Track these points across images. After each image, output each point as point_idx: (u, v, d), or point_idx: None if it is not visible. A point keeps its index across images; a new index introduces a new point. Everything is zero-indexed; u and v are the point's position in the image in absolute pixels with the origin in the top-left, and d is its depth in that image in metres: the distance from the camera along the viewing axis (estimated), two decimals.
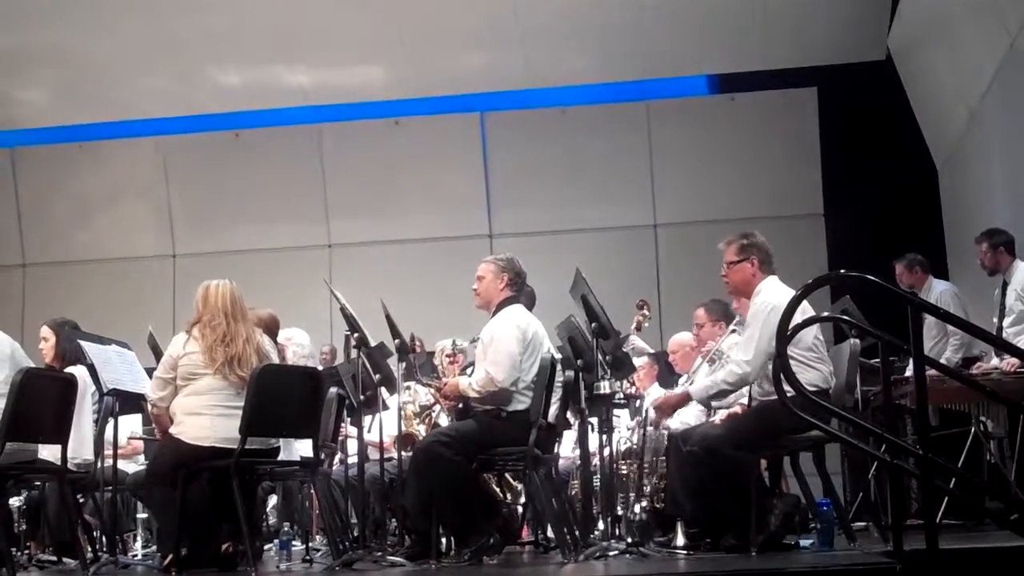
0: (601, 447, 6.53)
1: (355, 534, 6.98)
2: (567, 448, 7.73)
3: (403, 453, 6.67)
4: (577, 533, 6.34)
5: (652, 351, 8.51)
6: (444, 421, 7.23)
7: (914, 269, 8.53)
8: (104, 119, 12.67)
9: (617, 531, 6.35)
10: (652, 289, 11.35)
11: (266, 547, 7.23)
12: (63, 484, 6.45)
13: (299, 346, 7.71)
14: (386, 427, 7.15)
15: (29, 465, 6.21)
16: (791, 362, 4.72)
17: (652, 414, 6.76)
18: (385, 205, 12.37)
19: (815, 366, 5.74)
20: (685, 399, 6.25)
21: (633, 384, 7.18)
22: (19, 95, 12.40)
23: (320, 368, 7.55)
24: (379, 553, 6.17)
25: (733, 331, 6.83)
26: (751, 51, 11.33)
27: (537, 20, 10.94)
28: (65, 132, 12.87)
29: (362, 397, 6.64)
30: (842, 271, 4.88)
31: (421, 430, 7.34)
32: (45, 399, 6.06)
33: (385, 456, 7.07)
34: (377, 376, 6.81)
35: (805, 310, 5.12)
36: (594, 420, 6.71)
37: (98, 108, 12.42)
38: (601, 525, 6.78)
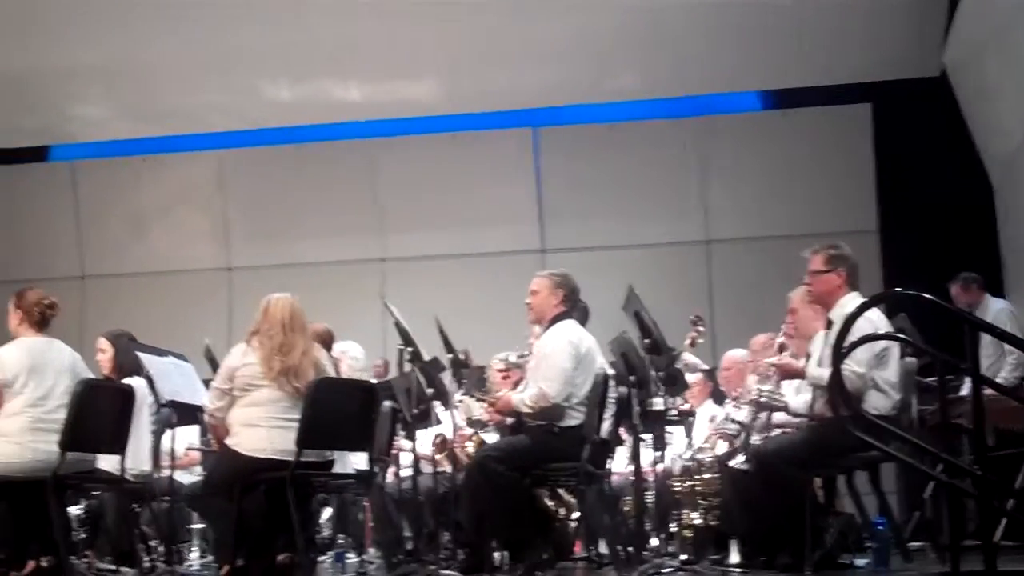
0: (654, 463, 6.53)
1: (409, 547, 7.02)
2: (620, 464, 7.73)
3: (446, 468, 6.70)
4: (630, 549, 6.34)
5: (705, 367, 8.49)
6: (490, 438, 7.28)
7: (970, 288, 8.46)
8: (163, 133, 12.83)
9: (670, 548, 6.34)
10: (705, 305, 11.27)
11: (320, 559, 7.28)
12: (121, 494, 6.56)
13: (353, 359, 7.76)
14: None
15: (88, 475, 6.32)
16: (872, 383, 4.67)
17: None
18: (438, 220, 12.41)
19: (890, 394, 5.64)
20: (800, 374, 5.95)
21: (687, 401, 7.16)
22: (79, 110, 12.60)
23: (374, 381, 7.60)
24: (432, 566, 6.21)
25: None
26: (804, 66, 11.28)
27: (590, 36, 10.96)
28: (124, 146, 13.03)
29: (415, 411, 6.69)
30: (898, 289, 4.83)
31: (469, 447, 7.37)
32: (104, 410, 6.17)
33: (438, 469, 7.11)
34: (431, 390, 6.85)
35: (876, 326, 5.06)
36: (647, 436, 6.70)
37: (157, 122, 12.59)
38: (654, 541, 6.78)
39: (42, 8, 10.45)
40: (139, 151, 13.05)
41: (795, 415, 6.03)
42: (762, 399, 6.11)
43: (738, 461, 6.23)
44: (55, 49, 10.96)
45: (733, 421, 6.82)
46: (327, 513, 8.43)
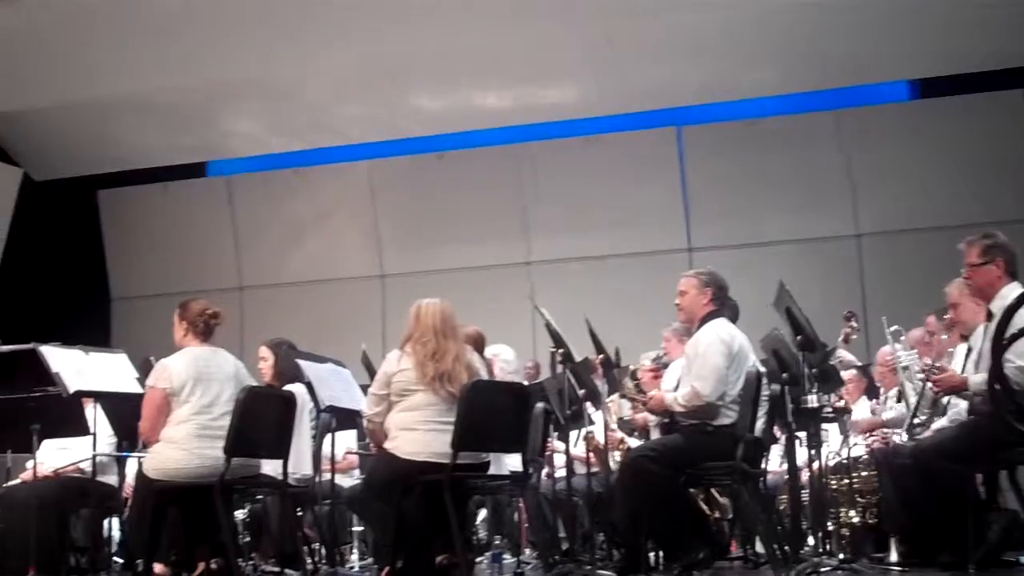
0: (810, 461, 6.46)
1: (564, 548, 7.07)
2: (774, 463, 7.67)
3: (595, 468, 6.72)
4: (787, 548, 6.29)
5: (859, 364, 8.36)
6: (634, 443, 7.30)
7: None
8: (315, 146, 13.16)
9: (828, 546, 6.27)
10: (856, 300, 11.08)
11: (477, 560, 7.37)
12: (284, 498, 6.69)
13: (505, 362, 7.84)
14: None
15: (252, 480, 6.42)
16: None
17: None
18: (584, 222, 12.46)
19: None
20: (962, 386, 5.75)
21: (841, 398, 7.07)
22: (234, 126, 13.01)
23: (526, 384, 7.67)
24: (588, 567, 6.24)
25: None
26: (952, 54, 11.00)
27: (732, 32, 10.88)
28: (278, 159, 13.43)
29: (568, 412, 6.74)
30: None
31: (616, 454, 7.40)
32: (267, 416, 6.29)
33: (592, 469, 7.14)
34: (582, 391, 6.89)
35: None
36: (802, 434, 6.64)
37: (309, 136, 12.94)
38: (811, 540, 6.71)
39: (196, 29, 10.82)
40: (292, 164, 13.43)
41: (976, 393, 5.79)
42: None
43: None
44: (210, 68, 11.35)
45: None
46: (482, 515, 8.54)
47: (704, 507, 7.00)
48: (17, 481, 7.60)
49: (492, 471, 6.23)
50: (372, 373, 7.11)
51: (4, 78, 11.48)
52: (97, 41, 10.98)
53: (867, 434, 7.11)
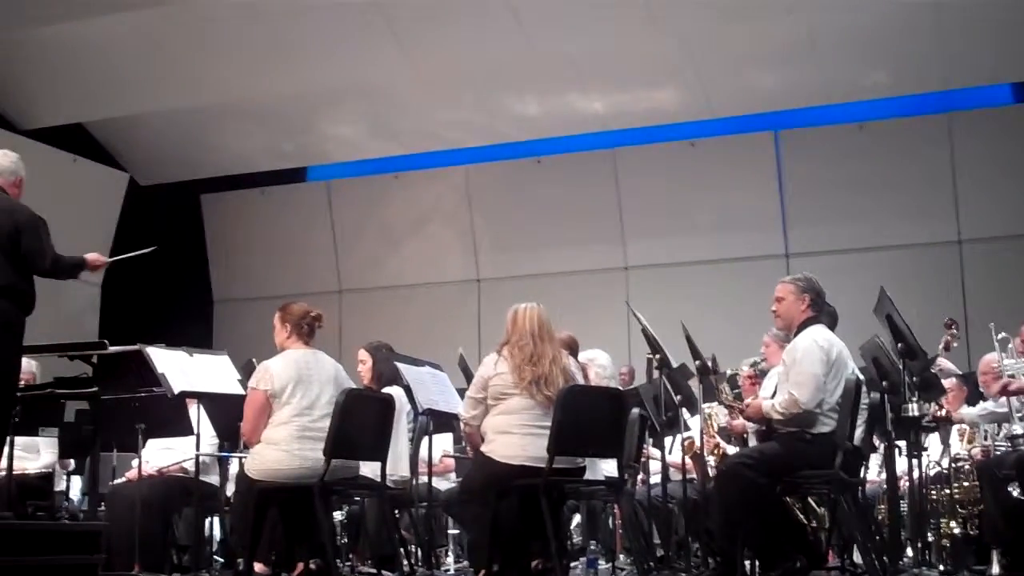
0: (910, 471, 6.38)
1: (659, 554, 7.05)
2: (873, 472, 7.57)
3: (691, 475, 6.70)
4: (885, 559, 6.21)
5: (960, 372, 8.23)
6: (731, 449, 7.26)
7: None
8: (412, 151, 13.28)
9: (928, 558, 6.18)
10: (957, 307, 10.90)
11: (572, 565, 7.38)
12: (383, 500, 6.76)
13: (601, 367, 7.82)
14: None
15: (351, 481, 6.47)
16: None
17: None
18: (680, 226, 12.43)
19: None
20: None
21: (942, 407, 6.96)
22: (333, 131, 13.19)
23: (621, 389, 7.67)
24: (683, 574, 6.22)
25: None
26: None
27: (832, 35, 10.75)
28: (376, 164, 13.61)
29: (664, 418, 6.73)
30: None
31: (711, 460, 7.37)
32: (366, 418, 6.34)
33: (688, 476, 7.12)
34: (678, 397, 6.87)
35: None
36: (901, 443, 6.56)
37: (407, 141, 13.07)
38: (910, 551, 6.62)
39: (297, 37, 10.98)
40: (390, 169, 13.59)
41: None
42: None
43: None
44: (310, 75, 11.51)
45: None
46: (576, 520, 8.55)
47: (801, 516, 6.93)
48: (123, 480, 7.80)
49: (587, 476, 6.24)
50: (469, 377, 7.17)
51: (112, 85, 11.76)
52: (201, 49, 11.21)
53: (997, 394, 6.88)
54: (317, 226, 13.75)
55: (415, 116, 12.59)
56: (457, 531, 8.33)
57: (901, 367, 6.08)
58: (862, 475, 6.62)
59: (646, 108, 12.23)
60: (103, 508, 7.36)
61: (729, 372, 7.36)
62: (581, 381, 6.36)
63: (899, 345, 6.05)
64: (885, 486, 7.00)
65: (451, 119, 12.61)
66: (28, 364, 7.04)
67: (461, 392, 6.74)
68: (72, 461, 8.30)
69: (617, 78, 11.82)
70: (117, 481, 7.90)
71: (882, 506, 7.34)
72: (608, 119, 12.32)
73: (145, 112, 12.53)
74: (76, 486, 9.06)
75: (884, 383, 6.28)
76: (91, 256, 6.34)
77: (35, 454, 7.96)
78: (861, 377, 6.20)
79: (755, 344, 8.10)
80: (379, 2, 10.59)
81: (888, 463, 6.55)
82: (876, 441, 6.74)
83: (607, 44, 11.05)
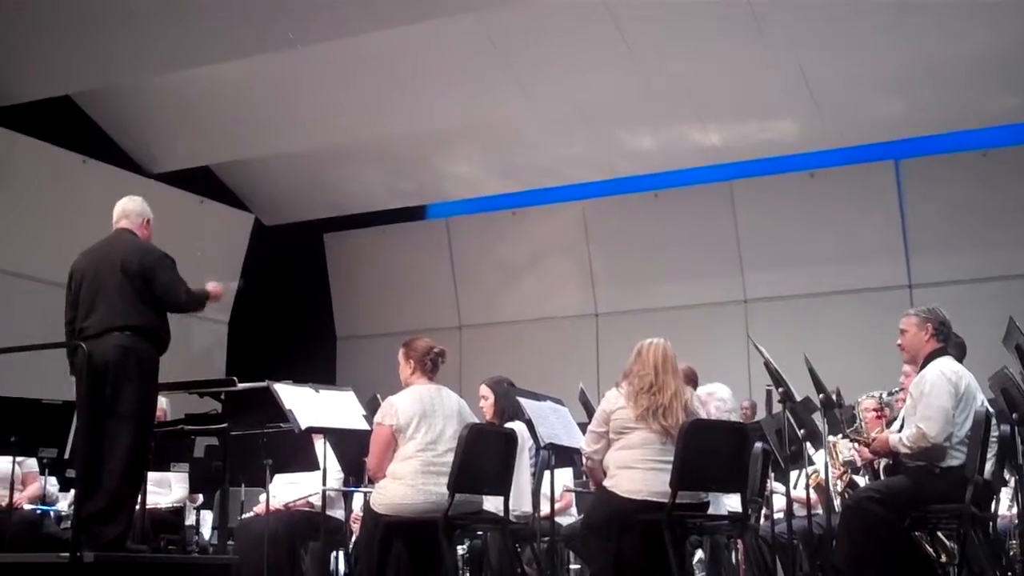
0: None
1: None
2: (1004, 506, 7.39)
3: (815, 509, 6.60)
4: None
5: None
6: (861, 481, 7.14)
7: None
8: (529, 187, 13.39)
9: None
10: None
11: None
12: (505, 534, 6.79)
13: (721, 401, 7.78)
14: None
15: (475, 515, 6.52)
16: None
17: None
18: (800, 258, 12.28)
19: None
20: None
21: None
22: (451, 170, 13.36)
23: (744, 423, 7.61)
24: None
25: None
26: None
27: (953, 61, 10.56)
28: (494, 201, 13.73)
29: (788, 452, 6.66)
30: None
31: (838, 486, 7.26)
32: (489, 453, 6.38)
33: (812, 511, 7.03)
34: (802, 431, 6.80)
35: None
36: None
37: (524, 177, 13.18)
38: None
39: (413, 77, 11.15)
40: (508, 205, 13.71)
41: None
42: None
43: None
44: (428, 115, 11.68)
45: None
46: (698, 555, 8.48)
47: (930, 551, 6.80)
48: (251, 514, 7.95)
49: (711, 511, 6.21)
50: (589, 411, 7.18)
51: (237, 129, 12.09)
52: (321, 93, 11.45)
53: None
54: (437, 263, 13.91)
55: (532, 153, 12.69)
56: (579, 566, 8.30)
57: None
58: (993, 509, 6.48)
59: (763, 139, 12.14)
60: (232, 542, 7.53)
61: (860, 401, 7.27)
62: (703, 415, 6.33)
63: None
64: (1017, 520, 6.83)
65: (567, 155, 12.67)
66: (160, 401, 7.23)
67: (582, 427, 6.75)
68: (201, 496, 8.51)
69: (733, 109, 11.77)
70: (245, 515, 8.06)
71: (1013, 541, 7.16)
72: (724, 151, 12.26)
73: (269, 154, 12.85)
74: (205, 520, 9.26)
75: (1014, 415, 6.14)
76: (210, 286, 6.52)
77: (167, 489, 8.18)
78: (991, 409, 6.09)
79: (878, 376, 8.00)
80: (495, 41, 10.71)
81: (1020, 497, 6.39)
82: (1007, 474, 6.59)
83: (723, 76, 11.02)
